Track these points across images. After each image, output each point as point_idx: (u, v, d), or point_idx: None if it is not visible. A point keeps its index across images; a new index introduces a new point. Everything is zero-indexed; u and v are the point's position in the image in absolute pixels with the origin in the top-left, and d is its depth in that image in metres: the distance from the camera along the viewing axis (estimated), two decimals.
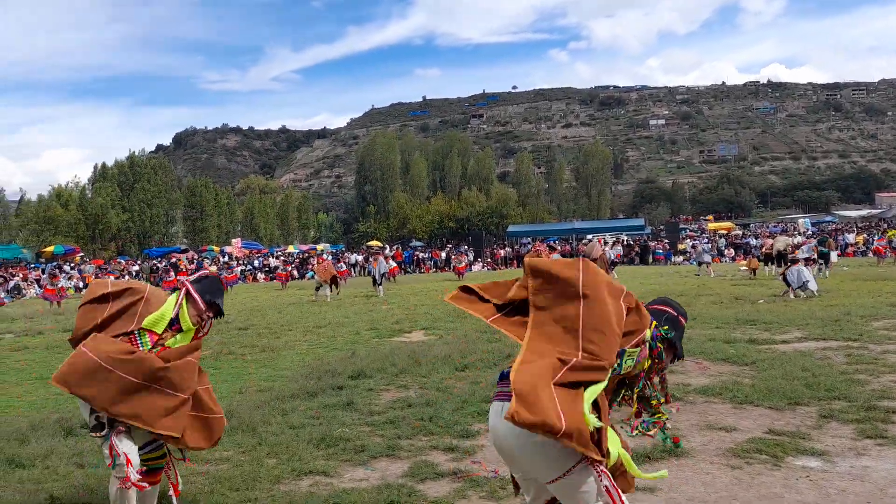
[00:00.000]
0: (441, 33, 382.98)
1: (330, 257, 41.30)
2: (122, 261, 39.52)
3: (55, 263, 33.57)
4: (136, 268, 35.27)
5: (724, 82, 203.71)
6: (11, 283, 28.79)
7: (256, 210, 60.99)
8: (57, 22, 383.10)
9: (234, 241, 46.91)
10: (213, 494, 4.39)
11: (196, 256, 41.00)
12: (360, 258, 41.55)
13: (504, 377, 2.74)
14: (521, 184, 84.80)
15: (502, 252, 43.88)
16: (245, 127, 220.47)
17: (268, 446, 5.42)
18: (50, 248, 37.95)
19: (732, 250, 40.45)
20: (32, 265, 34.51)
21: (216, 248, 44.68)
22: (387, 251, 43.62)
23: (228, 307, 19.20)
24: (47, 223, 41.66)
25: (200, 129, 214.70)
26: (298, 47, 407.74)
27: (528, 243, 45.02)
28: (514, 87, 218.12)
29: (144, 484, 3.51)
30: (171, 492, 3.86)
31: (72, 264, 34.35)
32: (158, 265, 37.19)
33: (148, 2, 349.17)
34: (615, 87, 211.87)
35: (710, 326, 11.12)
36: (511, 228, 55.61)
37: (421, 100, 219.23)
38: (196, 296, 3.80)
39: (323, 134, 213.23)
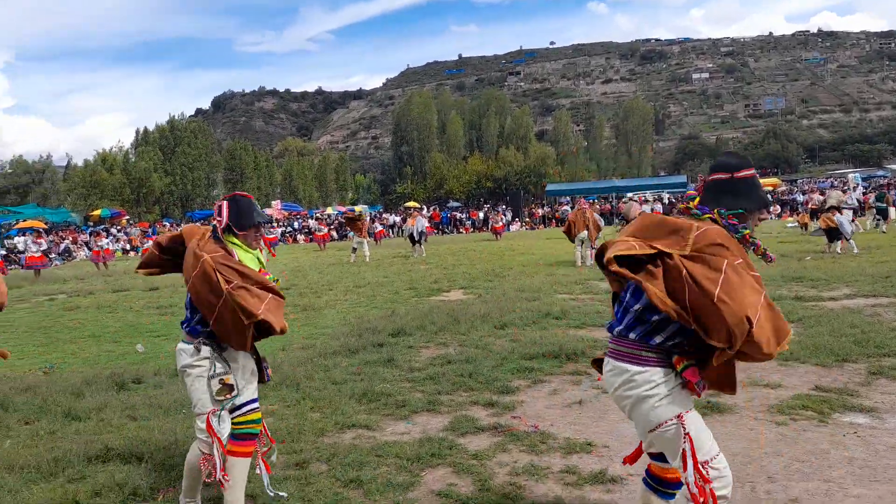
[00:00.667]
0: None
1: (368, 218, 41.58)
2: (167, 223, 40.38)
3: (102, 226, 34.50)
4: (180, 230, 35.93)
5: (771, 33, 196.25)
6: (62, 246, 29.72)
7: (295, 172, 61.47)
8: None
9: (273, 203, 47.43)
10: (260, 446, 4.50)
11: None
12: (397, 219, 41.68)
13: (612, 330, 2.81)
14: (560, 142, 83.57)
15: (540, 211, 43.53)
16: (281, 89, 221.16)
17: (311, 401, 5.54)
18: (97, 212, 38.98)
19: (779, 207, 39.43)
20: (81, 228, 35.52)
21: None
22: (424, 211, 43.70)
23: (269, 268, 19.55)
24: (94, 187, 42.72)
25: (238, 93, 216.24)
26: (333, 6, 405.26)
27: (568, 202, 44.57)
28: (552, 43, 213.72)
29: (225, 480, 3.35)
30: (260, 469, 3.66)
31: (118, 227, 35.29)
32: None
33: None
34: (657, 39, 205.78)
35: None
36: (550, 187, 55.02)
37: (457, 58, 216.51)
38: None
39: (359, 95, 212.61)
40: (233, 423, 3.43)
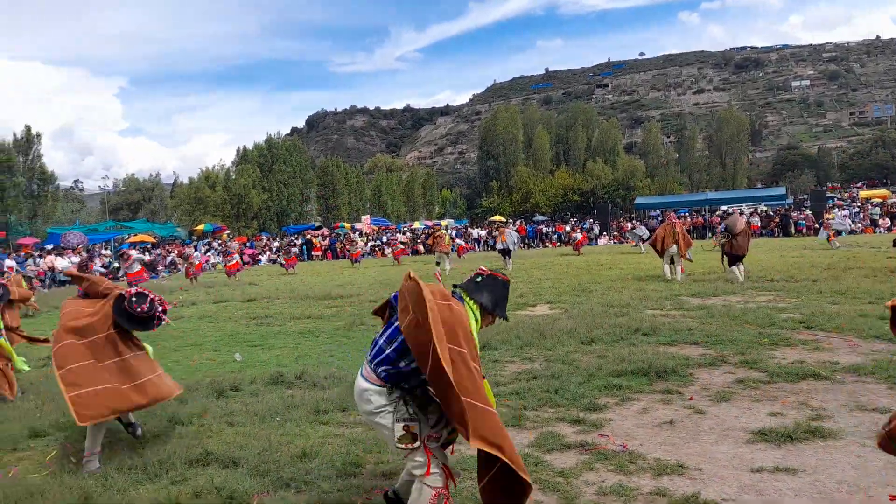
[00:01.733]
0: (564, 2, 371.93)
1: (454, 232, 41.88)
2: (264, 236, 42.04)
3: (206, 240, 36.37)
4: (276, 244, 37.38)
5: (878, 36, 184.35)
6: (168, 259, 31.51)
7: (384, 188, 62.83)
8: (203, 14, 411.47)
9: (363, 217, 48.62)
10: (349, 455, 4.62)
11: (328, 233, 42.91)
12: (482, 233, 41.77)
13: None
14: (650, 154, 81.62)
15: (629, 225, 42.55)
16: (371, 107, 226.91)
17: None
18: (200, 227, 41.15)
19: (888, 220, 36.93)
20: (185, 242, 37.59)
21: (347, 225, 46.54)
22: (511, 226, 43.64)
23: (357, 281, 20.01)
24: (198, 203, 45.16)
25: (330, 111, 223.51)
26: (421, 26, 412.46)
27: (657, 215, 43.40)
28: (642, 54, 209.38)
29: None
30: None
31: (219, 241, 37.09)
32: (295, 242, 39.30)
33: None
34: (752, 47, 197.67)
35: (862, 301, 10.25)
36: (639, 200, 53.78)
37: (543, 72, 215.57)
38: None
39: (446, 111, 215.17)
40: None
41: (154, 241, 35.87)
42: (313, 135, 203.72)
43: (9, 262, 22.83)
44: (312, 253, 37.28)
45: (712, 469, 4.11)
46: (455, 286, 3.52)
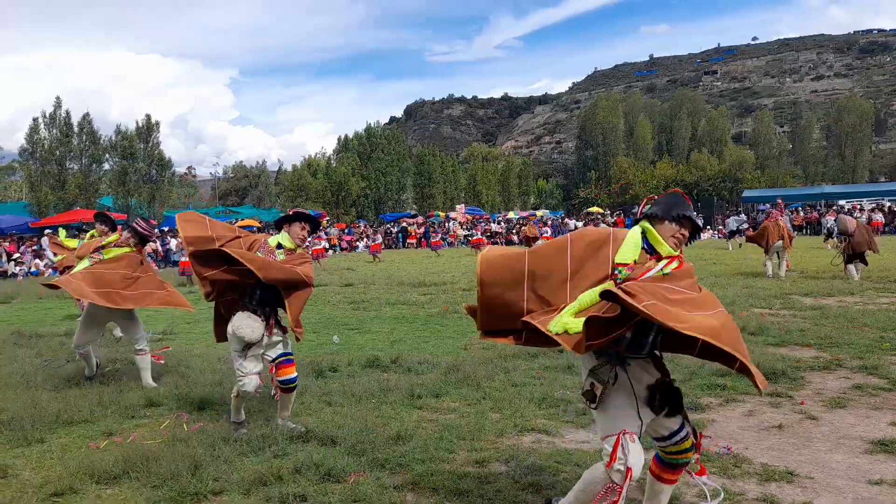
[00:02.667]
0: None
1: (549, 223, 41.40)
2: (362, 223, 43.12)
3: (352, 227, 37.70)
4: (371, 231, 38.24)
5: None
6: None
7: (479, 177, 62.88)
8: (308, 7, 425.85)
9: (458, 206, 48.88)
10: (442, 441, 4.66)
11: (423, 221, 43.41)
12: (579, 224, 41.07)
13: None
14: (760, 144, 77.37)
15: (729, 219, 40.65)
16: (469, 96, 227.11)
17: (491, 401, 5.62)
18: None
19: None
20: None
21: (442, 214, 46.98)
22: (608, 218, 42.66)
23: (450, 269, 20.13)
24: (300, 190, 46.85)
25: (428, 101, 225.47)
26: (521, 13, 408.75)
27: (766, 209, 41.21)
28: (755, 39, 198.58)
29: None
30: None
31: (321, 227, 38.37)
32: (391, 230, 40.07)
33: None
34: (879, 30, 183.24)
35: None
36: (746, 193, 51.24)
37: (647, 59, 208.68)
38: None
39: (544, 100, 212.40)
40: (665, 453, 3.23)
41: (259, 225, 37.51)
42: (411, 124, 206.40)
43: None
44: (408, 241, 37.85)
45: (825, 479, 3.86)
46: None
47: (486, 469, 4.18)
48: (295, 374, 5.03)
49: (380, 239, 27.47)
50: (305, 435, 4.87)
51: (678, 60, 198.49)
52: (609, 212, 49.70)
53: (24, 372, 7.24)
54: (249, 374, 4.82)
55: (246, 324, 4.80)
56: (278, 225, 5.21)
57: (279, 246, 4.99)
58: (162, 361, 7.02)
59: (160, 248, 26.25)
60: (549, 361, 6.99)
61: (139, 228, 6.92)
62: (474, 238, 30.59)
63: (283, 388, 4.96)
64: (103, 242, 6.82)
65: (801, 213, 39.55)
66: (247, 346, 4.82)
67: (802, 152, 79.93)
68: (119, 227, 7.58)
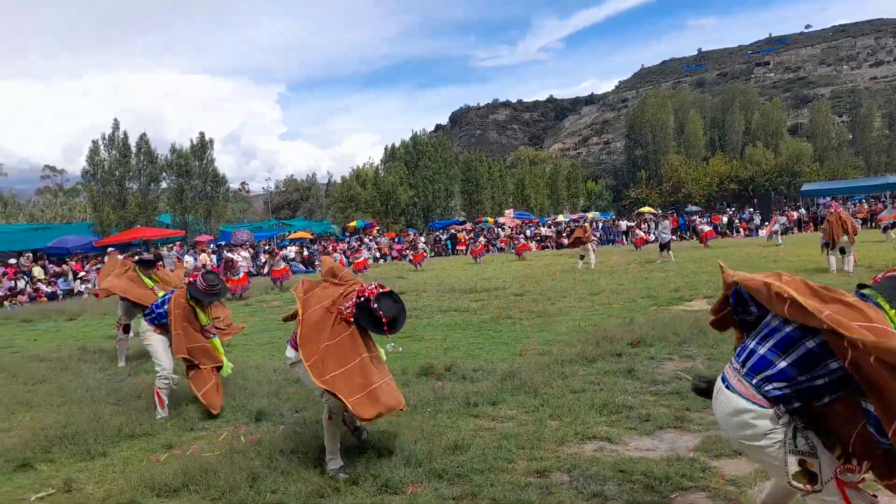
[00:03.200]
0: None
1: (600, 225, 40.79)
2: (412, 232, 43.30)
3: (357, 236, 38.06)
4: (423, 239, 38.33)
5: None
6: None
7: (527, 181, 62.37)
8: (350, 20, 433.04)
9: (506, 211, 48.60)
10: (501, 450, 4.54)
11: (472, 227, 43.30)
12: (630, 224, 40.34)
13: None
14: (818, 136, 74.63)
15: (795, 214, 39.31)
16: (514, 100, 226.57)
17: (550, 408, 5.47)
18: (353, 223, 43.12)
19: None
20: (339, 238, 39.54)
21: (490, 220, 46.75)
22: (665, 221, 41.81)
23: (500, 274, 19.97)
24: (350, 201, 47.34)
25: (473, 107, 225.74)
26: (564, 14, 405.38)
27: (826, 203, 39.72)
28: (808, 27, 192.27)
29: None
30: None
31: (370, 237, 38.65)
32: (441, 237, 40.08)
33: None
34: None
35: None
36: (806, 187, 49.42)
37: (696, 53, 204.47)
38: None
39: (590, 100, 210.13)
40: None
41: (311, 237, 38.04)
42: (457, 130, 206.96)
43: (187, 258, 25.13)
44: (457, 247, 37.79)
45: None
46: (862, 287, 2.76)
47: (548, 479, 4.04)
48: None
49: (421, 248, 27.45)
50: (361, 445, 4.82)
51: (728, 53, 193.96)
52: (661, 211, 48.68)
53: (89, 387, 7.43)
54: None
55: None
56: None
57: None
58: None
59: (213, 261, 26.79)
60: (608, 366, 6.80)
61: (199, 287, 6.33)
62: (520, 244, 30.31)
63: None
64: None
65: (866, 206, 37.93)
66: None
67: (863, 142, 76.78)
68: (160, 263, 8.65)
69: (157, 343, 6.36)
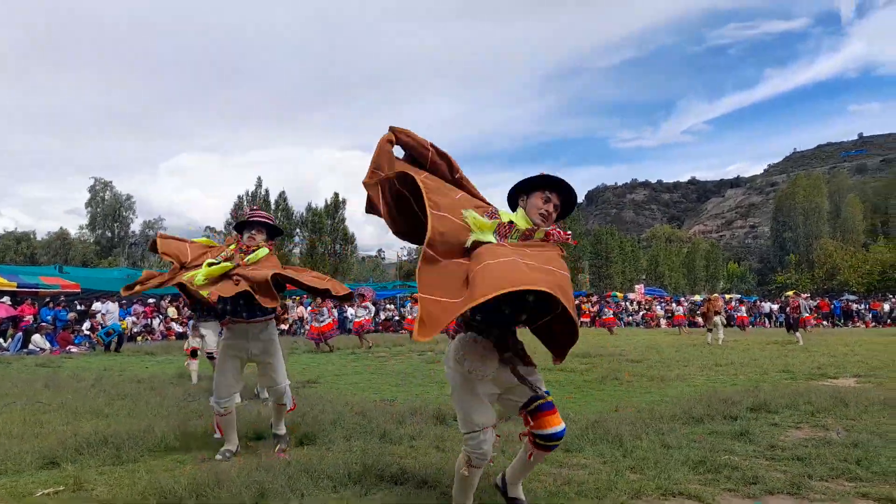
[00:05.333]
0: (884, 62, 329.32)
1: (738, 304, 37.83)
2: None
3: None
4: None
5: None
6: None
7: (661, 258, 59.79)
8: (501, 100, 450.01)
9: (636, 286, 46.53)
10: (558, 496, 3.73)
11: (598, 300, 41.62)
12: (774, 307, 37.14)
13: None
14: None
15: None
16: (653, 181, 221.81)
17: (633, 460, 4.56)
18: None
19: None
20: None
21: (619, 295, 44.83)
22: (811, 302, 38.19)
23: (622, 344, 18.64)
24: None
25: (611, 186, 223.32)
26: (713, 97, 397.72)
27: None
28: None
29: None
30: None
31: None
32: None
33: (576, 73, 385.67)
34: None
35: None
36: None
37: (856, 138, 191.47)
38: None
39: (736, 183, 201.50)
40: None
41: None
42: (591, 209, 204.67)
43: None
44: (581, 319, 36.36)
45: None
46: None
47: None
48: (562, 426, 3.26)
49: None
50: (401, 475, 4.17)
51: (893, 139, 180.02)
52: (810, 295, 44.50)
53: (164, 404, 7.29)
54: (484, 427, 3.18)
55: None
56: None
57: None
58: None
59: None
60: (717, 426, 5.72)
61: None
62: (677, 314, 28.47)
63: (542, 447, 3.28)
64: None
65: None
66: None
67: None
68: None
69: (219, 355, 5.13)
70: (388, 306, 32.49)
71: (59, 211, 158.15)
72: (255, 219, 5.10)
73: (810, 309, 20.78)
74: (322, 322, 17.23)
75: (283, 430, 5.30)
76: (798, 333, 18.52)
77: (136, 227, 56.27)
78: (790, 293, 45.08)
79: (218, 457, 4.77)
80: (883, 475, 4.11)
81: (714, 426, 5.76)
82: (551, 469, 4.41)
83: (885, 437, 5.21)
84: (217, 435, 5.23)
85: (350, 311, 27.55)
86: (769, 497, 3.80)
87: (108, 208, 53.75)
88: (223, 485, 3.82)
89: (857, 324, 34.10)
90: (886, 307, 35.08)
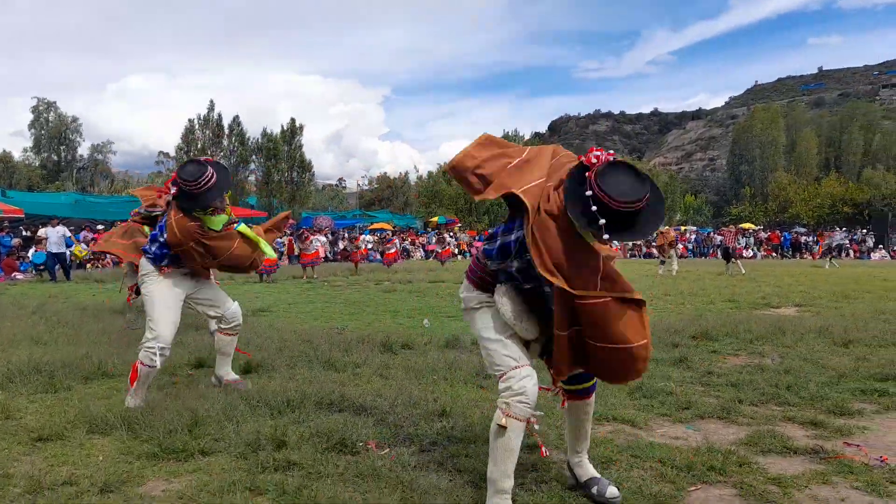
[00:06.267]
0: None
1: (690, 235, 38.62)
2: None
3: (435, 230, 37.71)
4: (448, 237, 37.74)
5: None
6: (402, 246, 33.03)
7: None
8: (460, 28, 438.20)
9: None
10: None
11: None
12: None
13: None
14: None
15: None
16: (616, 112, 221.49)
17: None
18: (435, 219, 42.82)
19: None
20: (419, 232, 39.34)
21: None
22: (762, 234, 39.24)
23: None
24: (434, 196, 47.17)
25: (573, 116, 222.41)
26: (677, 27, 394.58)
27: None
28: None
29: None
30: None
31: (451, 232, 38.20)
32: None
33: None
34: None
35: None
36: None
37: (815, 72, 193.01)
38: None
39: (697, 115, 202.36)
40: None
41: (392, 229, 37.96)
42: (554, 139, 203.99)
43: None
44: None
45: None
46: None
47: (535, 455, 3.23)
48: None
49: (450, 246, 27.62)
50: (340, 403, 4.15)
51: (851, 73, 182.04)
52: (762, 227, 45.71)
53: (105, 331, 7.14)
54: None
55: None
56: None
57: None
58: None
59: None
60: (658, 354, 5.82)
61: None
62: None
63: (572, 392, 3.08)
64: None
65: None
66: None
67: None
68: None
69: (158, 293, 4.37)
70: (345, 234, 32.26)
71: (2, 133, 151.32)
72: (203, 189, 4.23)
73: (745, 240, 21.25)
74: (309, 251, 18.08)
75: (232, 376, 4.69)
76: (738, 263, 19.03)
77: (83, 150, 54.10)
78: (746, 225, 46.17)
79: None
80: (810, 400, 4.24)
81: (655, 354, 5.86)
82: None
83: (816, 364, 5.38)
84: (131, 398, 4.16)
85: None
86: (700, 421, 3.89)
87: (52, 130, 51.38)
88: (156, 412, 3.75)
89: (805, 256, 35.18)
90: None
